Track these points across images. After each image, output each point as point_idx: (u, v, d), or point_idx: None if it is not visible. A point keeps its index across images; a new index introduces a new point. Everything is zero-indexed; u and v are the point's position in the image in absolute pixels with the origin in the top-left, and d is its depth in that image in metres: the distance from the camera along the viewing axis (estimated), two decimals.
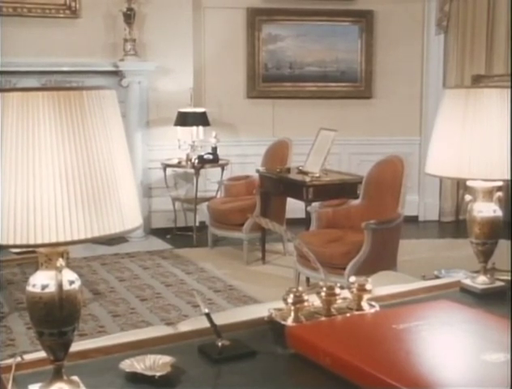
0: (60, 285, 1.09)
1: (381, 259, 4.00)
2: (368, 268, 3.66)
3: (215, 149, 6.05)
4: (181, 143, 6.08)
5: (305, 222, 4.61)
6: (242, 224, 5.34)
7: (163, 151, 6.17)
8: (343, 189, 4.75)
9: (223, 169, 6.12)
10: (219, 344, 1.29)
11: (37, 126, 1.03)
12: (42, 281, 1.10)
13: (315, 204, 4.59)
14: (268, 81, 6.69)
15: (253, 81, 6.66)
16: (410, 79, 6.84)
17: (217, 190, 6.13)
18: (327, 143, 4.85)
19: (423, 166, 2.00)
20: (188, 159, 5.99)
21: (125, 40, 5.97)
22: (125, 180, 1.11)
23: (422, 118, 6.88)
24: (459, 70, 6.67)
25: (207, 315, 1.34)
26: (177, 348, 1.31)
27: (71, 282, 1.12)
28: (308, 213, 4.54)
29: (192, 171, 6.01)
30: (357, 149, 6.73)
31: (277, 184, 5.07)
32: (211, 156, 6.00)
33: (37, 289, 1.10)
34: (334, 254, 4.04)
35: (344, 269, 3.95)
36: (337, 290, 1.44)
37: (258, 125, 6.61)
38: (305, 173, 4.88)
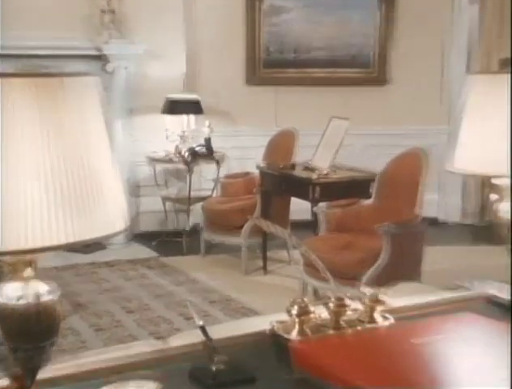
0: (36, 296, 1.08)
1: (403, 268, 3.99)
2: (387, 279, 3.64)
3: (208, 140, 6.03)
4: (168, 133, 6.06)
5: (312, 225, 4.62)
6: (240, 228, 5.35)
7: (148, 143, 6.15)
8: (353, 187, 4.75)
9: (218, 165, 6.12)
10: (214, 367, 1.27)
11: (11, 116, 1.02)
12: (14, 292, 1.09)
13: (322, 204, 4.59)
14: (270, 66, 6.68)
15: (253, 65, 6.65)
16: (432, 60, 6.83)
17: (212, 189, 6.13)
18: (339, 133, 4.83)
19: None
20: (177, 151, 5.97)
21: (103, 12, 5.89)
22: (110, 177, 1.10)
23: (447, 105, 6.84)
24: (487, 53, 6.64)
25: (202, 328, 1.33)
26: (165, 371, 1.29)
27: (48, 292, 1.11)
28: (315, 215, 4.55)
29: (185, 168, 6.01)
30: (374, 141, 6.73)
31: (280, 182, 5.07)
32: (203, 149, 5.98)
33: (9, 300, 1.09)
34: (346, 263, 4.04)
35: (358, 279, 3.95)
36: (347, 301, 1.45)
37: (258, 114, 6.61)
38: (312, 170, 4.89)
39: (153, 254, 5.90)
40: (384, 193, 4.45)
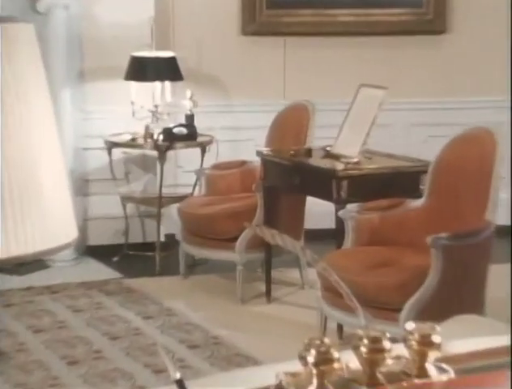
0: None
1: (460, 296, 4.01)
2: (437, 310, 3.65)
3: (190, 118, 6.04)
4: (136, 108, 6.05)
5: (335, 235, 4.63)
6: (235, 239, 5.35)
7: (107, 121, 6.15)
8: (396, 182, 4.76)
9: (204, 151, 6.13)
10: None
11: None
12: None
13: (352, 207, 4.59)
14: (276, 6, 6.68)
15: (251, 7, 6.66)
16: None
17: (194, 185, 6.13)
18: (371, 108, 4.85)
19: None
20: (148, 134, 5.99)
21: None
22: (49, 168, 1.11)
23: None
24: None
25: (179, 384, 1.33)
26: None
27: None
28: (340, 221, 4.55)
29: (155, 154, 6.00)
30: (421, 118, 6.73)
31: (290, 174, 5.07)
32: (184, 130, 6.00)
33: None
34: (382, 287, 4.06)
35: (399, 311, 3.95)
36: (385, 343, 1.45)
37: (260, 79, 6.62)
38: (336, 157, 4.88)
39: (114, 274, 5.93)
40: (441, 190, 4.46)
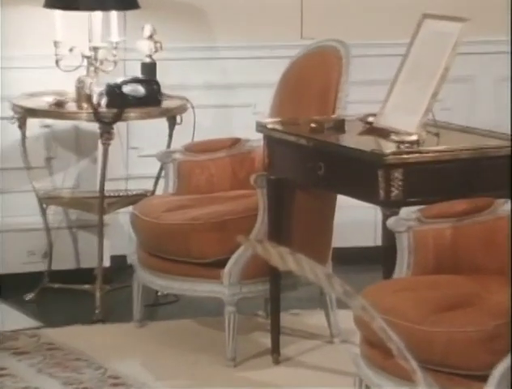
0: None
1: None
2: None
3: (151, 69, 6.16)
4: (62, 52, 6.11)
5: (381, 258, 4.70)
6: (222, 264, 5.40)
7: (16, 73, 6.23)
8: (479, 172, 4.80)
9: (173, 124, 6.24)
10: None
11: None
12: None
13: (409, 213, 4.61)
14: None
15: None
16: None
17: (157, 177, 6.26)
18: (442, 52, 4.88)
19: None
20: (82, 95, 6.06)
21: None
22: None
23: None
24: None
25: None
26: None
27: None
28: (390, 235, 4.57)
29: (94, 127, 6.08)
30: None
31: (311, 161, 5.09)
32: (141, 89, 6.08)
33: None
34: (457, 341, 4.04)
35: (483, 379, 3.91)
36: None
37: (262, 7, 6.71)
38: (384, 134, 4.94)
39: (28, 321, 6.01)
40: None
